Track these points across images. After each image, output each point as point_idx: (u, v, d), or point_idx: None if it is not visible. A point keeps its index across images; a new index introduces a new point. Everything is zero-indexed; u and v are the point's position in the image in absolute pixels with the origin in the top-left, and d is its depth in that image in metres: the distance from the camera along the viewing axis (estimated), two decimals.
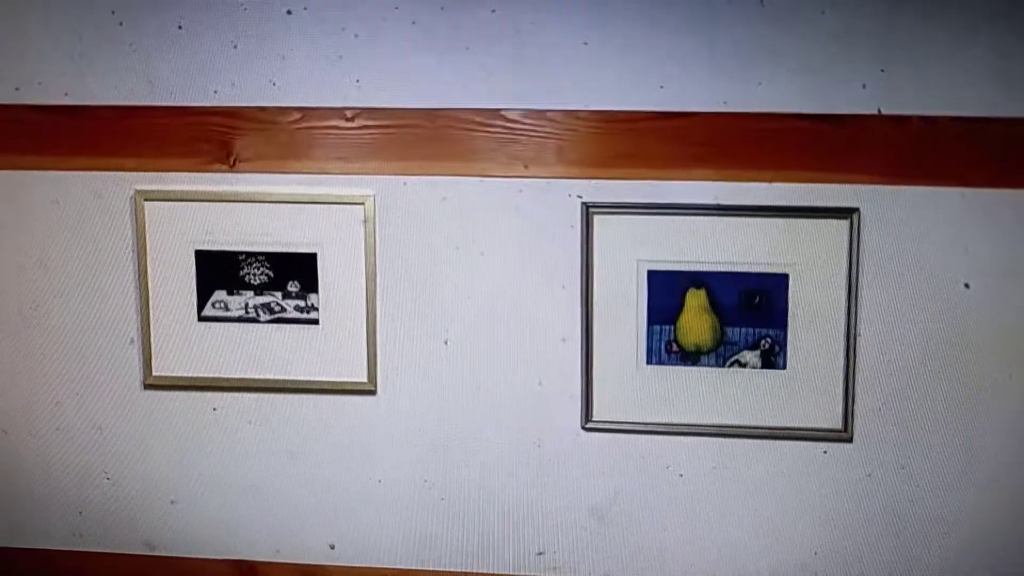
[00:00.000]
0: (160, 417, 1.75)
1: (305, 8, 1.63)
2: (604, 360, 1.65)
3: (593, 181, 1.62)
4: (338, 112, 1.64)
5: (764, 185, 1.59)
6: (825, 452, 1.63)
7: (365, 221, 1.66)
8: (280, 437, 1.74)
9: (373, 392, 1.70)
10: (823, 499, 1.64)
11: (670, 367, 1.64)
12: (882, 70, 1.55)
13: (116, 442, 1.77)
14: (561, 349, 1.66)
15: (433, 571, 1.73)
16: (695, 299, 1.62)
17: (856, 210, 1.57)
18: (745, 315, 1.61)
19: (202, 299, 1.71)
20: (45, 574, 1.79)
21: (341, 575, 1.75)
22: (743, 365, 1.63)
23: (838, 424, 1.62)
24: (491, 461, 1.70)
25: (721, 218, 1.60)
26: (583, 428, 1.67)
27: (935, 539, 1.64)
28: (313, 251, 1.67)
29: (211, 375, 1.72)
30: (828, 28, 1.54)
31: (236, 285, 1.69)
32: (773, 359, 1.62)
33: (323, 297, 1.69)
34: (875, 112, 1.55)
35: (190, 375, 1.73)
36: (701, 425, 1.65)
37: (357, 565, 1.75)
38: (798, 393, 1.62)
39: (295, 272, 1.68)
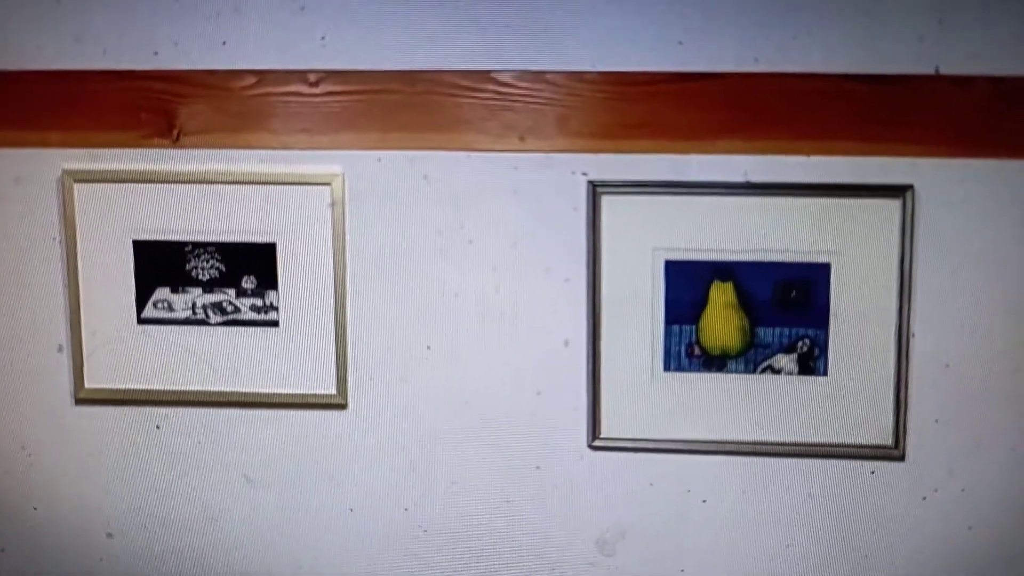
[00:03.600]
0: (94, 436, 1.69)
1: None
2: (614, 367, 1.59)
3: (601, 155, 1.56)
4: (300, 75, 1.58)
5: (802, 159, 1.53)
6: (873, 472, 1.58)
7: (332, 204, 1.60)
8: (235, 459, 1.68)
9: (343, 406, 1.64)
10: (871, 527, 1.59)
11: (691, 374, 1.58)
12: (940, 21, 1.49)
13: (43, 466, 1.70)
14: (564, 354, 1.60)
15: None
16: (721, 294, 1.56)
17: (910, 187, 1.51)
18: (779, 312, 1.55)
19: (142, 298, 1.64)
20: None
21: None
22: (777, 371, 1.57)
23: (888, 440, 1.56)
24: (481, 486, 1.64)
25: (752, 198, 1.54)
26: (589, 446, 1.62)
27: (998, 572, 1.58)
28: (272, 240, 1.61)
29: (153, 387, 1.67)
30: None
31: (182, 281, 1.63)
32: (812, 364, 1.56)
33: (284, 295, 1.62)
34: (932, 72, 1.50)
35: (128, 387, 1.67)
36: (727, 442, 1.59)
37: None
38: (841, 404, 1.57)
39: (251, 266, 1.62)
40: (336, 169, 1.59)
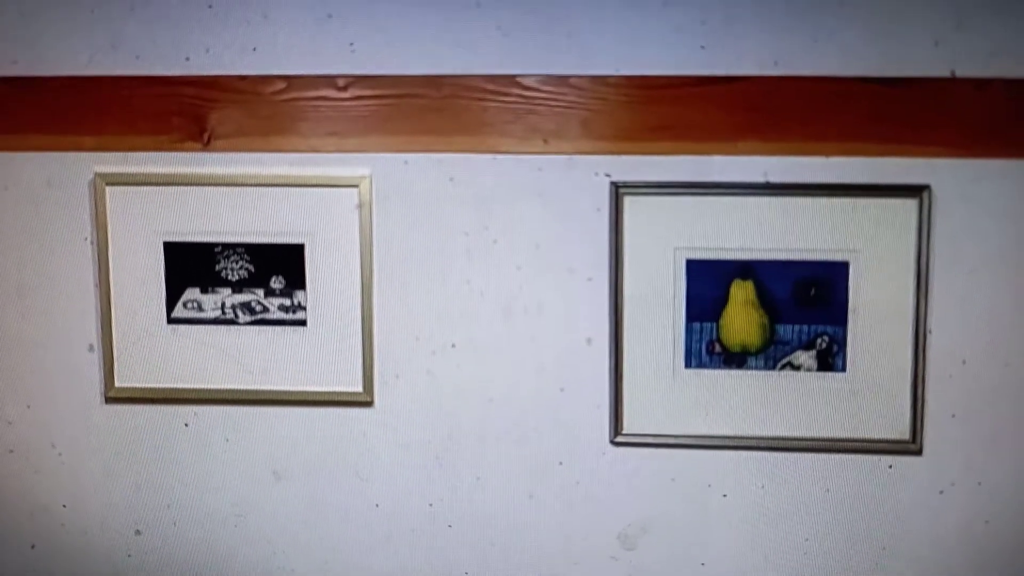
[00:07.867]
0: (124, 435, 1.68)
1: None
2: (636, 364, 1.58)
3: (623, 157, 1.56)
4: (329, 80, 1.58)
5: (821, 160, 1.53)
6: (891, 467, 1.57)
7: (360, 206, 1.60)
8: (263, 456, 1.67)
9: (370, 403, 1.64)
10: (889, 520, 1.58)
11: (712, 371, 1.57)
12: (957, 24, 1.49)
13: (74, 464, 1.69)
14: (586, 352, 1.60)
15: None
16: (741, 292, 1.55)
17: (927, 187, 1.51)
18: (799, 310, 1.55)
19: (172, 298, 1.64)
20: None
21: None
22: (796, 368, 1.56)
23: (905, 435, 1.56)
24: (506, 482, 1.63)
25: (772, 198, 1.54)
26: (612, 442, 1.61)
27: (1015, 565, 1.57)
28: (300, 242, 1.61)
29: (182, 386, 1.66)
30: None
31: (211, 282, 1.63)
32: (831, 360, 1.55)
33: (312, 295, 1.62)
34: (948, 75, 1.49)
35: (158, 386, 1.66)
36: (748, 437, 1.58)
37: None
38: (860, 399, 1.56)
39: (279, 266, 1.62)
40: (364, 171, 1.58)
